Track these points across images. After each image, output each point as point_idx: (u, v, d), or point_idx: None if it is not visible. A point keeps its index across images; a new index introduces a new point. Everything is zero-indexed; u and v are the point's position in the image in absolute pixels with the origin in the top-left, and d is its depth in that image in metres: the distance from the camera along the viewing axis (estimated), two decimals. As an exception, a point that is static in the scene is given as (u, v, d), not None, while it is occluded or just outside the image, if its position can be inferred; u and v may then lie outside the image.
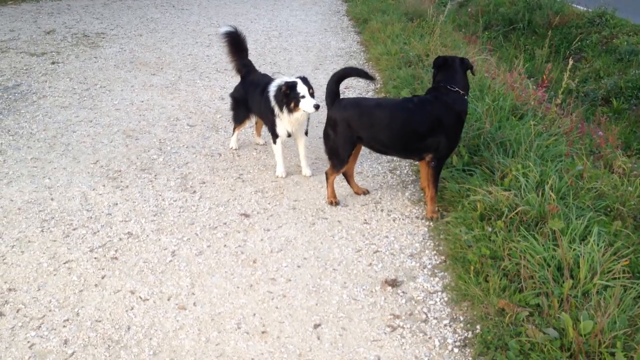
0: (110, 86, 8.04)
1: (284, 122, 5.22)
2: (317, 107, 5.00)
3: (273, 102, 5.21)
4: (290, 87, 5.03)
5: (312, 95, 5.05)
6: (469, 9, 17.83)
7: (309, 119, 5.48)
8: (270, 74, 6.14)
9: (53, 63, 9.00)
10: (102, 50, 9.98)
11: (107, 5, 14.42)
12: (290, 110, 5.07)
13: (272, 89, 5.24)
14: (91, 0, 14.96)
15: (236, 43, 5.94)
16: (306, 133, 5.48)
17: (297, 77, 5.14)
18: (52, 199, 4.95)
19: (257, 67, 6.08)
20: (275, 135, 5.40)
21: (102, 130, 6.47)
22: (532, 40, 14.20)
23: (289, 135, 5.35)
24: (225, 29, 5.91)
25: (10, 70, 8.49)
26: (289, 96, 5.04)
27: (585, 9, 15.28)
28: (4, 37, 10.43)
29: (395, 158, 5.79)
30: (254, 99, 5.59)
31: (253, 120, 6.08)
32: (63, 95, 7.55)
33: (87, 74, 8.57)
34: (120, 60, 9.42)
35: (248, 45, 6.11)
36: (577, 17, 14.65)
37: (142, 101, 7.49)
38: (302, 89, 5.01)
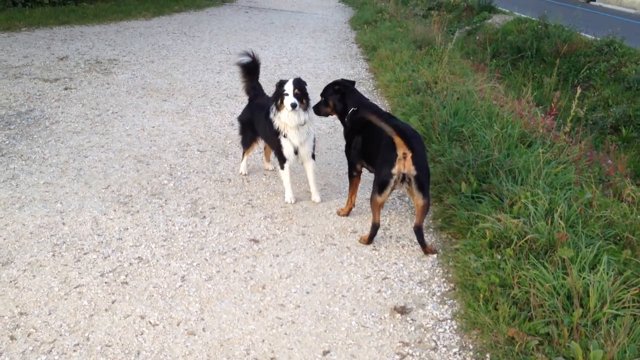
0: (122, 112, 8.12)
1: (282, 126, 5.21)
2: (293, 105, 4.99)
3: (273, 118, 5.25)
4: (280, 83, 5.14)
5: (296, 96, 5.03)
6: (477, 37, 17.96)
7: (315, 139, 5.52)
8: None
9: (66, 89, 9.10)
10: (115, 77, 10.10)
11: (120, 32, 14.61)
12: (278, 107, 5.13)
13: (271, 111, 5.30)
14: (104, 27, 15.16)
15: (250, 66, 6.02)
16: (313, 157, 5.52)
17: (293, 78, 5.20)
18: (63, 224, 4.99)
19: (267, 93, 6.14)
20: (282, 160, 5.43)
21: (114, 155, 6.53)
22: (541, 68, 14.28)
23: (296, 152, 5.34)
24: (244, 59, 5.96)
25: (23, 95, 8.60)
26: (277, 92, 5.14)
27: (593, 37, 15.37)
28: (17, 63, 10.57)
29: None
30: (260, 122, 5.65)
31: (261, 144, 6.13)
32: (75, 121, 7.63)
33: (99, 99, 8.67)
34: (132, 86, 9.53)
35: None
36: (585, 46, 14.74)
37: (153, 127, 7.56)
38: (288, 87, 5.05)
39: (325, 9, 23.28)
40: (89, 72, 10.29)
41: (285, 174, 5.50)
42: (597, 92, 12.29)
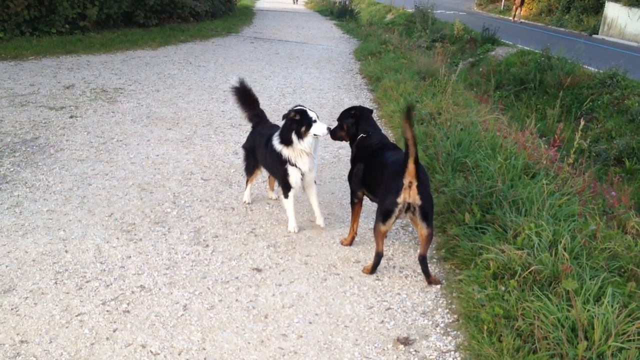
0: (126, 140, 8.17)
1: (296, 154, 5.26)
2: (329, 129, 5.21)
3: (280, 148, 5.29)
4: (300, 112, 5.18)
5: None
6: (481, 69, 18.09)
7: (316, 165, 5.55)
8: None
9: (71, 117, 9.17)
10: (120, 105, 10.17)
11: (126, 61, 14.75)
12: (300, 136, 5.15)
13: (275, 138, 5.35)
14: (110, 56, 15.31)
15: (244, 95, 6.06)
16: (314, 181, 5.56)
17: (298, 107, 5.30)
18: (66, 251, 4.98)
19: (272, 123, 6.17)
20: (287, 188, 5.43)
21: (118, 183, 6.55)
22: (544, 100, 14.36)
23: (302, 176, 5.36)
24: (233, 83, 6.03)
25: (29, 123, 8.66)
26: (299, 122, 5.16)
27: (596, 70, 15.47)
28: (24, 91, 10.67)
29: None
30: (260, 150, 5.70)
31: (265, 172, 6.15)
32: (80, 149, 7.67)
33: (104, 128, 8.72)
34: (137, 114, 9.59)
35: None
36: (588, 78, 14.83)
37: (158, 155, 7.59)
38: (312, 114, 5.17)
39: (329, 40, 23.50)
40: (95, 101, 10.37)
41: (289, 203, 5.51)
42: (600, 124, 12.34)
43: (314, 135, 5.18)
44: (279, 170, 5.42)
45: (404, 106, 4.23)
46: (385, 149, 4.96)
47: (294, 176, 5.34)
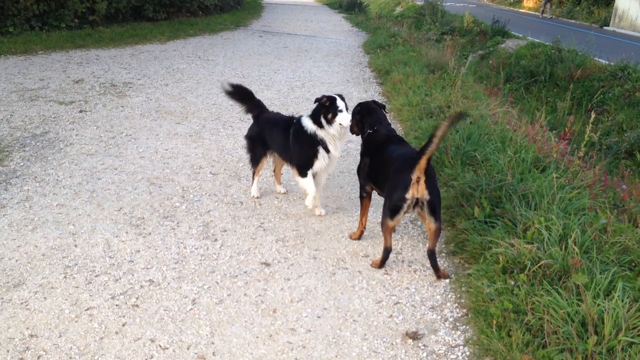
0: (135, 134, 8.18)
1: (329, 137, 5.43)
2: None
3: (313, 129, 5.43)
4: (330, 99, 5.38)
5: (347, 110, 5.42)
6: (490, 61, 17.98)
7: None
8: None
9: (81, 111, 9.19)
10: (129, 100, 10.19)
11: (135, 55, 14.77)
12: (328, 122, 5.35)
13: (306, 120, 5.52)
14: (119, 50, 15.34)
15: (239, 92, 6.18)
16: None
17: (335, 94, 5.49)
18: (75, 246, 5.00)
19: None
20: (307, 168, 5.51)
21: (127, 177, 6.56)
22: (554, 92, 14.25)
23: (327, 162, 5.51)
24: (226, 89, 6.17)
25: (39, 118, 8.69)
26: (328, 108, 5.36)
27: (607, 62, 15.34)
28: (33, 86, 10.70)
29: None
30: (274, 135, 5.79)
31: (271, 160, 6.17)
32: (89, 143, 7.69)
33: (113, 122, 8.74)
34: (146, 109, 9.61)
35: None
36: (599, 71, 14.70)
37: (167, 149, 7.60)
38: (340, 103, 5.36)
39: (338, 33, 23.45)
40: (104, 95, 10.39)
41: (308, 180, 5.56)
42: (611, 116, 12.24)
43: (340, 124, 5.34)
44: (305, 151, 5.50)
45: (456, 112, 4.21)
46: (389, 143, 4.94)
47: (321, 160, 5.48)
